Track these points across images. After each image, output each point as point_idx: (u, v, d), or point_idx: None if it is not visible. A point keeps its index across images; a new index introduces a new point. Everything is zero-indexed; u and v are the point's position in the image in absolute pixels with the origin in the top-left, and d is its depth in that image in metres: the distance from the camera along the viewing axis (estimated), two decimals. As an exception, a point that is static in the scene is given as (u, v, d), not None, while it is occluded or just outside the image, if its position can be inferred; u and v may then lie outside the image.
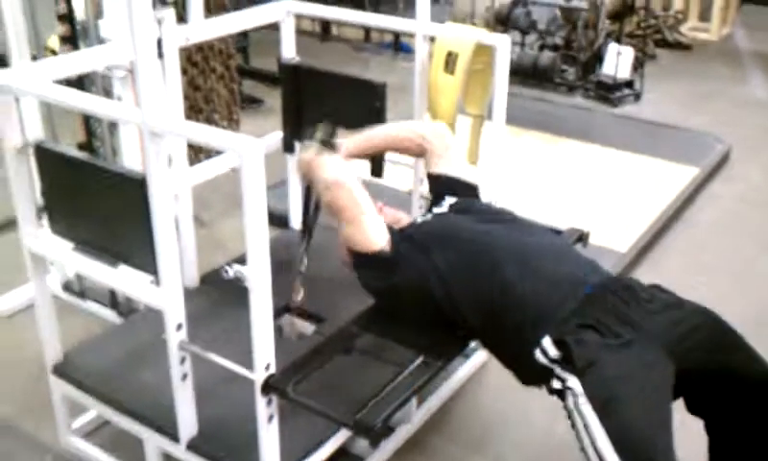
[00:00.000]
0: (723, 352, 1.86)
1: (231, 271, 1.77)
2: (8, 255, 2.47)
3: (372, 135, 2.38)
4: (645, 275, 3.38)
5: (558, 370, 1.80)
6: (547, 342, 1.81)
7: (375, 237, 2.05)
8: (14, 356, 2.84)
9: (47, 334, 2.28)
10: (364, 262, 2.11)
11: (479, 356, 2.77)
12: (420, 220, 2.25)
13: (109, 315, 2.98)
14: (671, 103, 5.46)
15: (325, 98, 2.80)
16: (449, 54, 2.53)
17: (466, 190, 2.31)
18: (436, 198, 2.33)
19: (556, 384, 1.80)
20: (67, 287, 3.11)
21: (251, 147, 1.70)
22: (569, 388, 1.75)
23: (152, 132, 1.80)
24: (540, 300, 1.87)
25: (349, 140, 2.31)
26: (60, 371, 2.29)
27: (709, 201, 4.11)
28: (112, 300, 2.97)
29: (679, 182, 4.12)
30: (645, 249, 3.59)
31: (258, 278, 1.76)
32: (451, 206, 2.24)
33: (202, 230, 3.39)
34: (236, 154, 1.72)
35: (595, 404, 1.69)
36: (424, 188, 2.78)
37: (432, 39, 2.61)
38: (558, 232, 2.47)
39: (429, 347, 1.98)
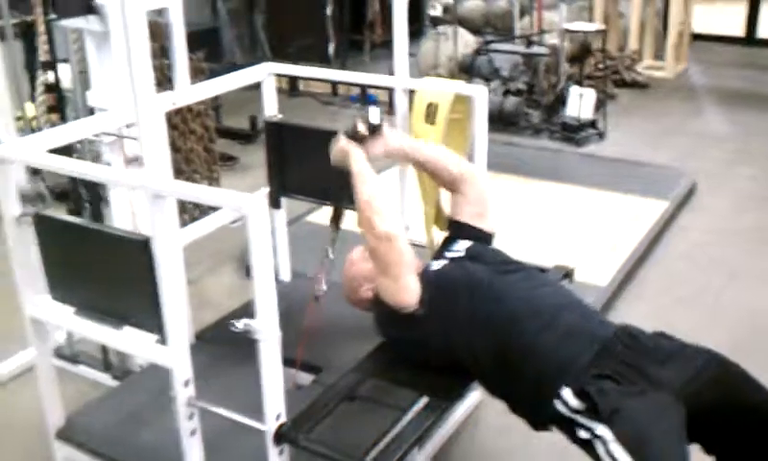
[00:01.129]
0: (730, 389, 1.93)
1: (240, 324, 1.82)
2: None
3: (420, 147, 2.39)
4: (627, 308, 3.50)
5: (582, 419, 1.85)
6: (567, 393, 1.87)
7: (410, 296, 2.08)
8: (11, 422, 2.84)
9: (49, 399, 2.30)
10: (388, 312, 2.13)
11: (475, 396, 2.82)
12: (435, 265, 2.25)
13: (103, 378, 2.99)
14: (634, 140, 5.64)
15: (309, 153, 2.88)
16: (429, 105, 2.63)
17: (481, 239, 2.33)
18: (450, 240, 2.36)
19: (582, 434, 1.84)
20: (58, 353, 3.11)
21: (254, 202, 1.77)
22: (598, 436, 1.80)
23: (156, 194, 1.86)
24: (558, 351, 1.93)
25: (399, 138, 2.34)
26: (64, 435, 2.31)
27: (679, 233, 4.24)
28: (105, 362, 2.99)
29: (649, 217, 4.26)
30: (624, 282, 3.70)
31: (267, 329, 1.82)
32: (467, 250, 2.26)
33: (189, 288, 3.42)
34: (241, 210, 1.78)
35: (627, 447, 1.75)
36: (410, 235, 2.86)
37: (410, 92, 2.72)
38: (543, 270, 2.55)
39: (434, 388, 2.04)
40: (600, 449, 1.78)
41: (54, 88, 2.85)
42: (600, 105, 5.74)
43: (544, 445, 2.02)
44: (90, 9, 2.33)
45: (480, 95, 2.61)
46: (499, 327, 2.00)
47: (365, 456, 1.82)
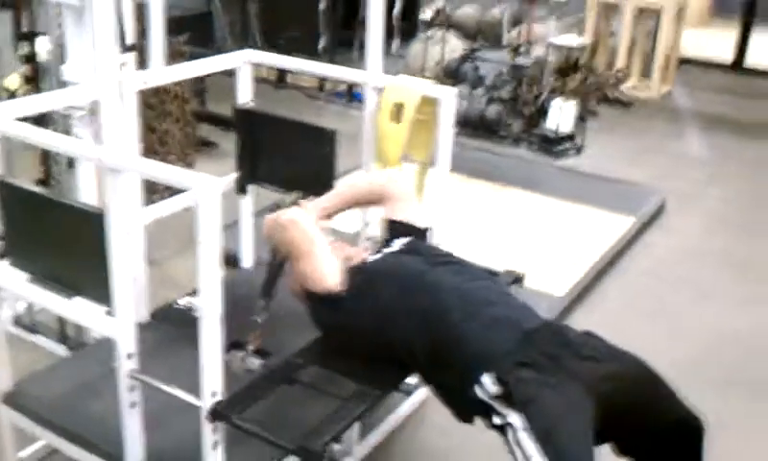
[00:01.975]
0: (646, 395, 2.00)
1: (183, 302, 1.87)
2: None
3: (337, 194, 2.52)
4: (581, 319, 3.56)
5: (497, 406, 1.90)
6: (486, 379, 1.92)
7: (328, 276, 2.17)
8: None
9: (-1, 363, 2.34)
10: (315, 299, 2.22)
11: (420, 393, 2.88)
12: (371, 259, 2.36)
13: (59, 349, 3.03)
14: (611, 156, 5.71)
15: (278, 142, 2.93)
16: (396, 104, 2.68)
17: (417, 234, 2.43)
18: (388, 240, 2.45)
19: (496, 420, 1.90)
20: (17, 321, 3.15)
21: (207, 184, 1.81)
22: (509, 424, 1.86)
23: (111, 168, 1.90)
24: (481, 340, 1.99)
25: (320, 201, 2.45)
26: (10, 400, 2.34)
27: (645, 250, 4.32)
28: (62, 334, 3.03)
29: (615, 231, 4.33)
30: (582, 294, 3.76)
31: (209, 307, 1.86)
32: (402, 246, 2.36)
33: (154, 269, 3.46)
34: (193, 190, 1.82)
35: (537, 436, 1.81)
36: (370, 230, 2.92)
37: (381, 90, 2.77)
38: (494, 274, 2.61)
39: (369, 378, 2.09)
40: (509, 436, 1.84)
41: (31, 59, 2.88)
42: (581, 119, 5.80)
43: (485, 442, 2.06)
44: (67, -17, 2.37)
45: (447, 97, 2.66)
46: (427, 316, 2.05)
47: (295, 438, 1.86)
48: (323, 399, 2.07)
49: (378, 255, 2.33)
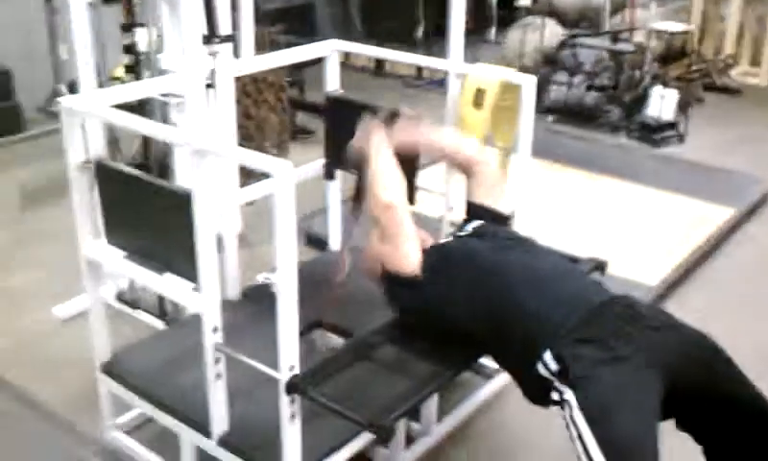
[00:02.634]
0: (715, 376, 1.97)
1: (261, 278, 1.95)
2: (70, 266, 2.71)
3: (438, 139, 2.57)
4: (671, 308, 3.48)
5: (556, 383, 1.93)
6: (548, 356, 1.94)
7: (410, 260, 2.23)
8: (68, 357, 3.08)
9: (98, 335, 2.49)
10: (394, 281, 2.28)
11: (501, 379, 2.89)
12: (442, 241, 2.41)
13: (158, 324, 3.19)
14: (714, 145, 5.53)
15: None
16: (478, 90, 2.70)
17: (497, 220, 2.45)
18: (464, 222, 2.48)
19: (554, 396, 1.94)
20: (120, 297, 3.34)
21: (283, 169, 1.89)
22: (566, 400, 1.88)
23: (196, 150, 2.01)
24: (545, 316, 2.01)
25: (420, 131, 2.49)
26: (108, 369, 2.50)
27: (745, 241, 4.18)
28: (161, 309, 3.19)
29: (714, 222, 4.20)
30: (675, 284, 3.68)
31: (285, 283, 1.94)
32: (474, 229, 2.39)
33: (248, 250, 3.60)
34: (269, 172, 1.91)
35: (587, 415, 1.81)
36: (454, 215, 2.95)
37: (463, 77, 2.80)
38: (575, 260, 2.60)
39: (442, 358, 2.14)
40: (566, 413, 1.85)
41: (131, 50, 3.04)
42: (684, 107, 5.64)
43: (560, 432, 2.07)
44: (163, -24, 2.50)
45: (528, 84, 2.66)
46: (494, 296, 2.09)
47: (366, 414, 1.93)
48: (396, 377, 2.14)
49: (450, 238, 2.37)
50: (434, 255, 2.27)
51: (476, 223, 2.39)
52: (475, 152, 2.54)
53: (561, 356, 1.91)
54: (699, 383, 1.94)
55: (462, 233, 2.37)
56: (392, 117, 2.41)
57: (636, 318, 1.96)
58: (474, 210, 2.45)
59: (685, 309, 3.47)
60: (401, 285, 2.27)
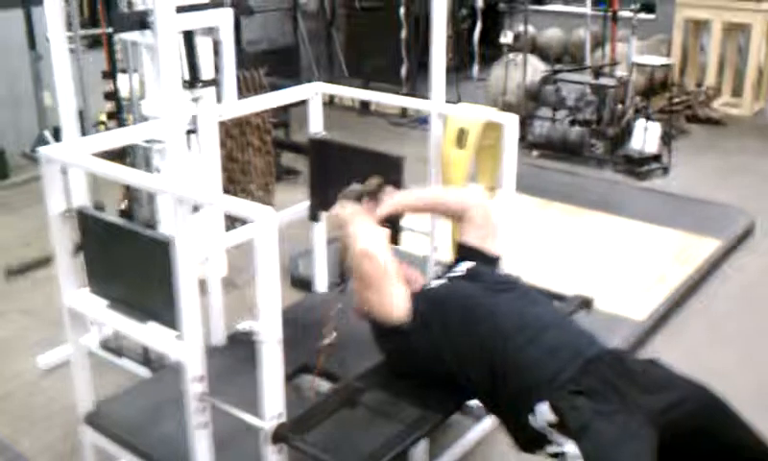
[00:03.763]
0: (712, 423, 1.95)
1: (244, 326, 1.93)
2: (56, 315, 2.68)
3: (423, 195, 2.56)
4: (661, 344, 3.49)
5: (553, 435, 1.90)
6: (542, 407, 1.91)
7: (397, 308, 2.18)
8: (51, 407, 3.03)
9: (80, 385, 2.46)
10: (382, 328, 2.24)
11: (490, 420, 2.86)
12: (434, 283, 2.36)
13: (143, 372, 3.16)
14: (699, 177, 5.56)
15: (347, 170, 2.99)
16: (461, 130, 2.71)
17: (487, 262, 2.41)
18: (455, 262, 2.45)
19: (551, 449, 1.90)
20: (105, 345, 3.30)
21: (264, 215, 1.88)
22: (564, 453, 1.85)
23: (178, 198, 2.00)
24: (538, 367, 1.98)
25: (400, 195, 2.48)
26: (90, 420, 2.46)
27: (731, 273, 4.18)
28: (146, 357, 3.16)
29: (700, 254, 4.21)
30: (663, 318, 3.67)
31: (269, 331, 1.92)
32: (468, 270, 2.35)
33: (235, 293, 3.58)
34: (251, 218, 1.89)
35: None
36: (439, 255, 2.95)
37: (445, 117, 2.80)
38: (562, 298, 2.59)
39: (430, 403, 2.11)
40: None
41: (113, 96, 3.04)
42: (667, 139, 5.68)
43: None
44: (144, 24, 2.49)
45: (510, 122, 2.67)
46: (486, 343, 2.05)
47: (354, 462, 1.90)
48: (383, 422, 2.10)
49: (441, 281, 2.34)
50: (425, 300, 2.23)
51: (468, 264, 2.36)
52: (463, 200, 2.50)
53: (557, 408, 1.89)
54: (698, 437, 1.92)
55: (454, 275, 2.34)
56: (372, 192, 2.41)
57: (628, 373, 1.94)
58: (465, 251, 2.42)
59: (676, 343, 3.48)
60: (389, 332, 2.23)
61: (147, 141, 2.89)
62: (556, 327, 2.10)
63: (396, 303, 2.18)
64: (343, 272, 2.48)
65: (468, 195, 2.58)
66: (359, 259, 2.19)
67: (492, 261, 2.40)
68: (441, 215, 2.62)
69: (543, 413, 1.90)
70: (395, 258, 2.28)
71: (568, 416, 1.85)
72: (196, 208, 2.14)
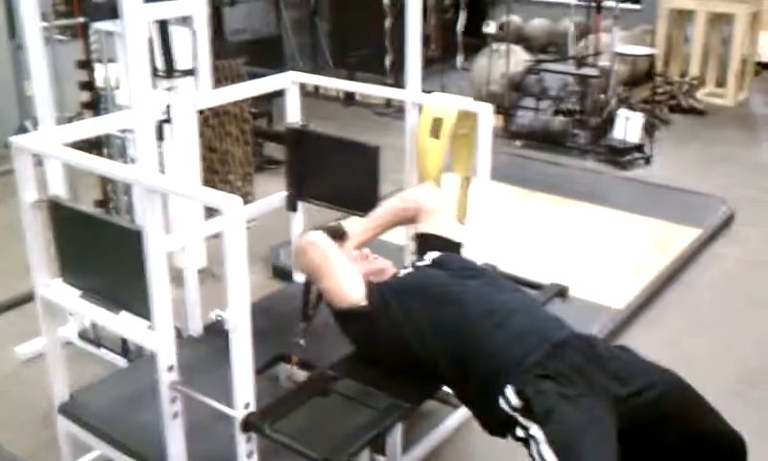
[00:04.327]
0: (680, 412, 1.96)
1: (213, 315, 1.93)
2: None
3: (375, 217, 2.56)
4: (640, 332, 3.50)
5: (520, 418, 1.91)
6: (510, 391, 1.93)
7: (350, 291, 2.22)
8: (28, 398, 3.03)
9: (55, 375, 2.45)
10: (342, 314, 2.27)
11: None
12: (401, 273, 2.40)
13: (121, 362, 3.15)
14: (681, 166, 5.58)
15: (325, 159, 3.00)
16: (435, 120, 2.71)
17: (449, 247, 2.45)
18: (420, 254, 2.48)
19: (519, 433, 1.92)
20: (83, 335, 3.30)
21: (232, 204, 1.87)
22: (532, 436, 1.86)
23: (146, 188, 1.99)
24: (505, 352, 2.00)
25: (357, 230, 2.49)
26: (65, 410, 2.46)
27: (711, 262, 4.20)
28: (124, 347, 3.15)
29: (680, 243, 4.23)
30: (642, 307, 3.69)
31: (238, 321, 1.92)
32: (433, 260, 2.38)
33: (215, 284, 3.57)
34: (220, 208, 1.89)
35: (556, 449, 1.81)
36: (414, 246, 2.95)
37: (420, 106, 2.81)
38: (537, 286, 2.60)
39: (400, 391, 2.12)
40: (533, 449, 1.84)
41: (89, 86, 3.03)
42: (650, 129, 5.70)
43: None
44: (116, 13, 2.47)
45: (485, 112, 2.67)
46: (452, 328, 2.07)
47: (323, 450, 1.90)
48: (354, 410, 2.11)
49: (408, 269, 2.36)
50: (390, 287, 2.25)
51: (435, 253, 2.38)
52: (410, 194, 2.58)
53: (523, 392, 1.90)
54: (664, 423, 1.93)
55: (421, 263, 2.36)
56: (334, 234, 2.42)
57: (596, 356, 1.96)
58: (426, 241, 2.45)
59: (654, 331, 3.50)
60: (349, 318, 2.25)
61: (121, 131, 2.88)
62: (523, 313, 2.11)
63: (348, 286, 2.22)
64: (306, 307, 2.51)
65: (417, 191, 2.64)
66: (304, 250, 2.27)
67: (454, 246, 2.42)
68: (404, 223, 2.63)
69: (510, 397, 1.91)
70: (342, 249, 2.33)
71: (534, 400, 1.87)
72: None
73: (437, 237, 2.43)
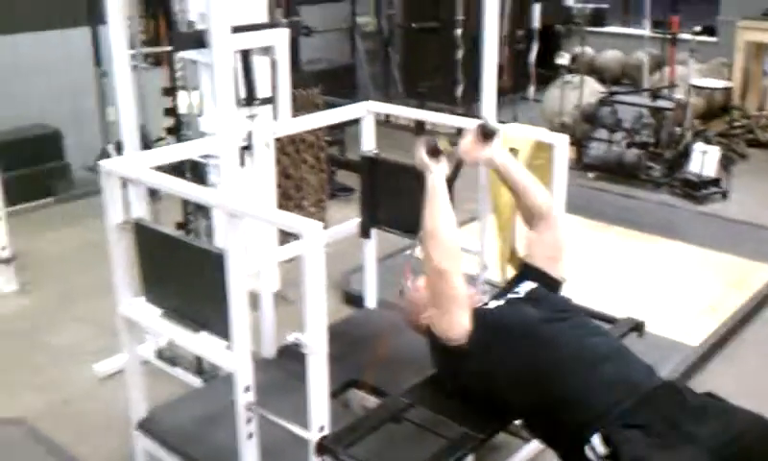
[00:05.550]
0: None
1: (291, 338, 1.97)
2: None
3: (519, 170, 2.49)
4: (716, 370, 3.42)
5: None
6: (596, 440, 1.90)
7: (459, 329, 2.18)
8: (106, 414, 3.11)
9: (134, 392, 2.52)
10: (439, 345, 2.25)
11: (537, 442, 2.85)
12: (492, 304, 2.35)
13: (195, 381, 3.22)
14: (758, 202, 5.45)
15: (398, 188, 3.02)
16: (511, 150, 2.72)
17: (549, 284, 2.40)
18: (516, 279, 2.44)
19: None
20: (160, 355, 3.38)
21: (312, 230, 1.91)
22: None
23: (229, 213, 2.05)
24: (595, 400, 1.98)
25: (501, 154, 2.49)
26: (143, 427, 2.52)
27: (790, 300, 4.08)
28: (199, 367, 3.22)
29: (757, 280, 4.13)
30: (718, 344, 3.60)
31: (316, 343, 1.95)
32: (528, 293, 2.33)
33: (288, 307, 3.62)
34: (299, 232, 1.93)
35: None
36: (489, 274, 2.96)
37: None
38: (613, 320, 2.57)
39: (473, 421, 2.12)
40: None
41: (172, 112, 3.13)
42: (727, 163, 5.59)
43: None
44: (202, 43, 2.57)
45: (560, 143, 2.67)
46: (541, 372, 2.06)
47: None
48: (427, 439, 2.11)
49: (500, 302, 2.32)
50: (485, 323, 2.21)
51: (529, 285, 2.35)
52: (547, 204, 2.45)
53: (610, 440, 1.88)
54: None
55: (513, 296, 2.34)
56: (486, 136, 2.43)
57: (685, 406, 1.93)
58: (528, 271, 2.41)
59: (731, 370, 3.41)
60: (446, 353, 2.23)
61: (203, 157, 2.96)
62: (614, 359, 2.09)
63: (459, 324, 2.18)
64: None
65: (554, 207, 2.52)
66: (434, 276, 2.21)
67: (554, 285, 2.40)
68: (520, 199, 2.48)
69: (596, 445, 1.89)
70: (466, 284, 2.27)
71: (621, 449, 1.84)
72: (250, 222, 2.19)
73: (541, 272, 2.39)
